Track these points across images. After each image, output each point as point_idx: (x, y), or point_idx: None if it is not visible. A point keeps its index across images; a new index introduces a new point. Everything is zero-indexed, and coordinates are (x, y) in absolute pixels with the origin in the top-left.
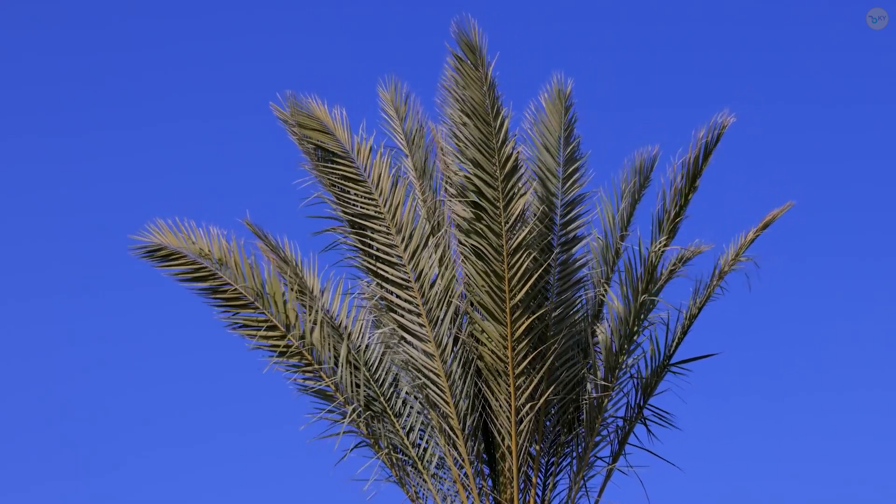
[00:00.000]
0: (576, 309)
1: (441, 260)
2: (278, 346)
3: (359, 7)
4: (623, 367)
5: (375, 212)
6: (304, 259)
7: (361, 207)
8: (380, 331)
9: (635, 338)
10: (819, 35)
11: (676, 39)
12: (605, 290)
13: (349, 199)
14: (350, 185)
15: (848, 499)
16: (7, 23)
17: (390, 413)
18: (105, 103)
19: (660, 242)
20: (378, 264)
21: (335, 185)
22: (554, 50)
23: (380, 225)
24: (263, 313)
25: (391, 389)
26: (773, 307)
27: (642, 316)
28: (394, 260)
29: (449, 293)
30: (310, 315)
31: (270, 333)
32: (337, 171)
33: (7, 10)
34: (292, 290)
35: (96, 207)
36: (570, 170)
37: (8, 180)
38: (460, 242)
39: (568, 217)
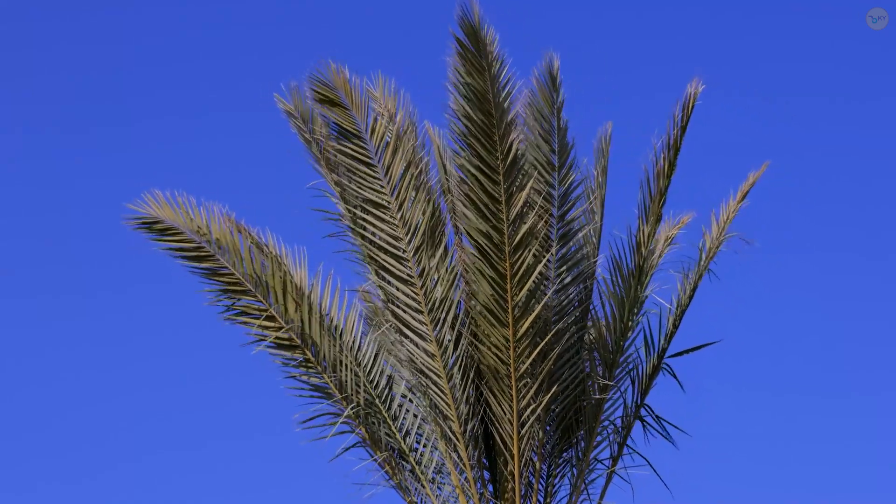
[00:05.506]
0: (575, 305)
1: (444, 257)
2: (274, 336)
3: None
4: (621, 364)
5: (384, 200)
6: (289, 250)
7: (369, 194)
8: (377, 324)
9: (629, 333)
10: (819, 34)
11: (673, 34)
12: (605, 283)
13: (357, 183)
14: (360, 168)
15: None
16: (6, 22)
17: (387, 416)
18: (104, 101)
19: (646, 227)
20: (381, 255)
21: (342, 168)
22: (563, 35)
23: (386, 215)
24: (261, 302)
25: (386, 391)
26: (776, 306)
27: (635, 309)
28: (399, 254)
29: (451, 292)
30: (299, 310)
31: (268, 324)
32: (346, 152)
33: (7, 9)
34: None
35: (96, 207)
36: (564, 158)
37: (8, 180)
38: (459, 237)
39: (565, 208)
